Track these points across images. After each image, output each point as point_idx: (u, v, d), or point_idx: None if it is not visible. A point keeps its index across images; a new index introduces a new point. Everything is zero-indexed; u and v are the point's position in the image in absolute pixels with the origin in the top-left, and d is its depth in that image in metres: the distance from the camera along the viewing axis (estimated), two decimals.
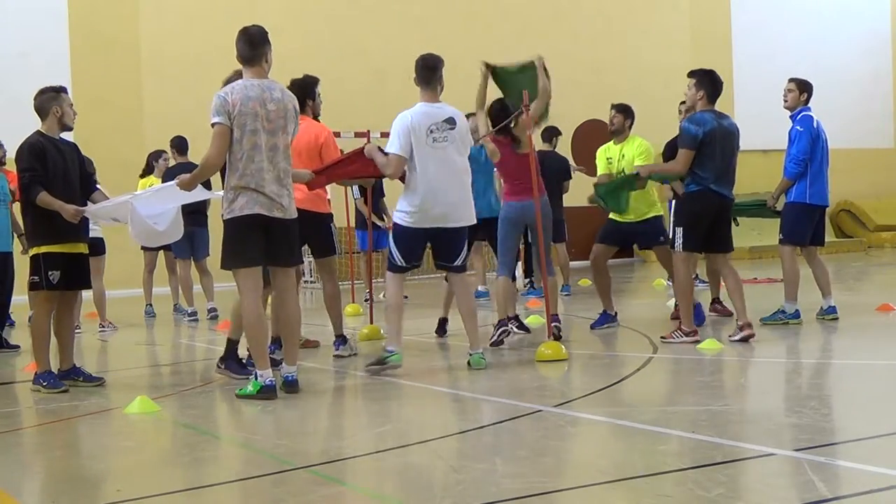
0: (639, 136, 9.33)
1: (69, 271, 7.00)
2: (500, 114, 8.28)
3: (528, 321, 9.75)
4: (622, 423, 5.26)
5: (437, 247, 7.41)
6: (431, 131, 7.14)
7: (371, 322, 9.80)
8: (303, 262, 7.06)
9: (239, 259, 6.42)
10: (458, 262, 7.43)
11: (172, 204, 7.19)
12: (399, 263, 7.29)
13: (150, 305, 12.74)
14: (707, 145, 7.96)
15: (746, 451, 4.53)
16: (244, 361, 7.24)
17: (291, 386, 6.52)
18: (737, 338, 7.94)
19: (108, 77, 17.40)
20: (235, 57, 6.59)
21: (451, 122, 7.24)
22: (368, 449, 5.12)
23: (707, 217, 8.09)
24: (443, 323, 9.36)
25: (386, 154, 7.23)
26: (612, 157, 9.30)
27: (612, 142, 9.39)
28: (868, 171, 23.44)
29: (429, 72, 7.27)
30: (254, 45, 6.54)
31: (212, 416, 6.24)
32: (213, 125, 6.35)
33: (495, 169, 8.98)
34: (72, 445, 5.72)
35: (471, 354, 7.33)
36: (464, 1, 20.17)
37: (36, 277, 6.94)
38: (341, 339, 8.21)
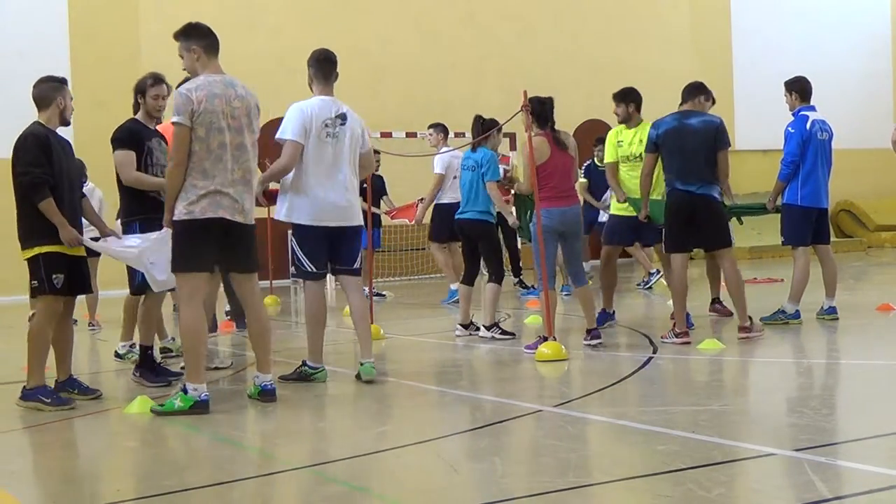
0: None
1: (72, 274, 6.53)
2: (541, 109, 8.01)
3: (528, 321, 9.76)
4: (622, 423, 5.26)
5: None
6: (326, 125, 6.85)
7: (371, 322, 9.77)
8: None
9: (191, 263, 6.05)
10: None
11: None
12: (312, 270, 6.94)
13: None
14: (664, 146, 8.16)
15: (746, 451, 4.53)
16: (160, 366, 7.24)
17: (268, 395, 6.26)
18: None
19: (108, 77, 17.40)
20: (200, 50, 6.20)
21: (343, 118, 6.95)
22: (368, 449, 5.11)
23: (680, 215, 8.12)
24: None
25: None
26: (623, 140, 9.20)
27: (622, 126, 9.33)
28: (868, 171, 23.43)
29: (330, 65, 7.00)
30: (214, 36, 6.27)
31: (212, 417, 6.23)
32: (173, 124, 6.03)
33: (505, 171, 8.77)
34: (72, 445, 5.72)
35: (361, 364, 6.92)
36: (464, 1, 20.17)
37: (35, 282, 6.40)
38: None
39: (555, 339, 7.66)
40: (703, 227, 8.13)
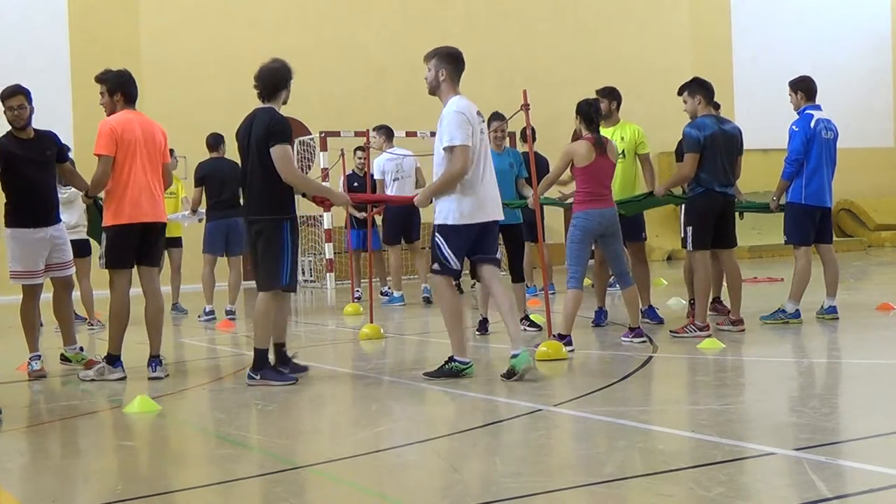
0: (630, 122, 9.40)
1: None
2: (588, 110, 7.96)
3: None
4: (622, 422, 5.26)
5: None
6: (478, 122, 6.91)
7: (371, 321, 9.79)
8: None
9: None
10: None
11: None
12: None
13: None
14: (709, 148, 8.32)
15: (747, 451, 4.53)
16: (279, 368, 7.00)
17: None
18: (724, 327, 8.55)
19: None
20: None
21: (481, 115, 7.01)
22: (368, 449, 5.11)
23: (713, 216, 8.47)
24: (484, 322, 9.18)
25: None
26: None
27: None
28: (868, 171, 23.45)
29: (463, 65, 7.12)
30: None
31: (212, 416, 6.23)
32: None
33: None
34: (72, 445, 5.72)
35: (515, 356, 6.61)
36: (464, 1, 20.16)
37: None
38: (157, 360, 7.47)
39: (567, 337, 7.78)
40: (725, 226, 8.60)
